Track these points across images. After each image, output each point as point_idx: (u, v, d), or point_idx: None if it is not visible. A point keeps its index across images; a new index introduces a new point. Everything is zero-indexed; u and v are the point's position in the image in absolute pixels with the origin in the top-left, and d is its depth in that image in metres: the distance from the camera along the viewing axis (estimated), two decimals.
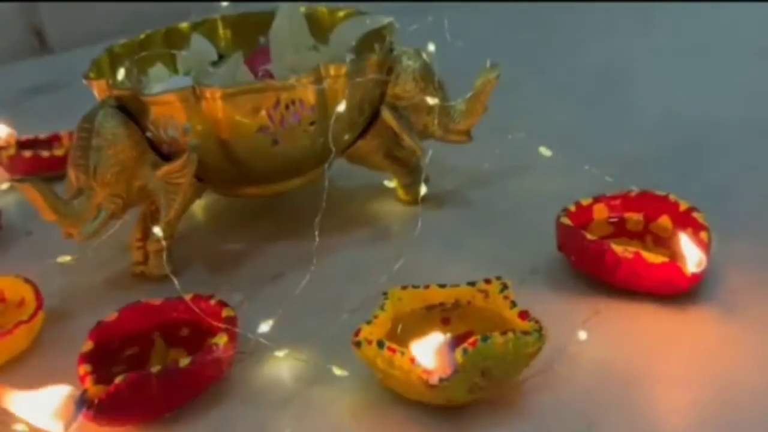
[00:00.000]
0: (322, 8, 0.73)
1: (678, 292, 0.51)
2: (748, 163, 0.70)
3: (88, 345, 0.48)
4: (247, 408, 0.47)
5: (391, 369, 0.43)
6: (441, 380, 0.40)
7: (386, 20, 0.64)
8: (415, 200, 0.69)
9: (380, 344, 0.43)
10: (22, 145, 0.86)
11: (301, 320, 0.53)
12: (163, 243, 0.56)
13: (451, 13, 0.69)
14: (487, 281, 0.49)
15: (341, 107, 0.56)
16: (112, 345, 0.50)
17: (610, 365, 0.47)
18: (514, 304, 0.46)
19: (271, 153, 0.59)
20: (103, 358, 0.48)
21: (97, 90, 0.60)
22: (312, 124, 0.58)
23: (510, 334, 0.42)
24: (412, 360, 0.42)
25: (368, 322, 0.46)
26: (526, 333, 0.43)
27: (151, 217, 0.60)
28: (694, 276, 0.50)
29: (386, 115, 0.62)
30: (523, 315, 0.45)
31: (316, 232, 0.55)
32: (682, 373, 0.45)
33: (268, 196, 0.66)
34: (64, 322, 0.57)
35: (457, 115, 0.65)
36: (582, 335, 0.48)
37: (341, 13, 0.72)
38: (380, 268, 0.59)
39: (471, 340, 0.42)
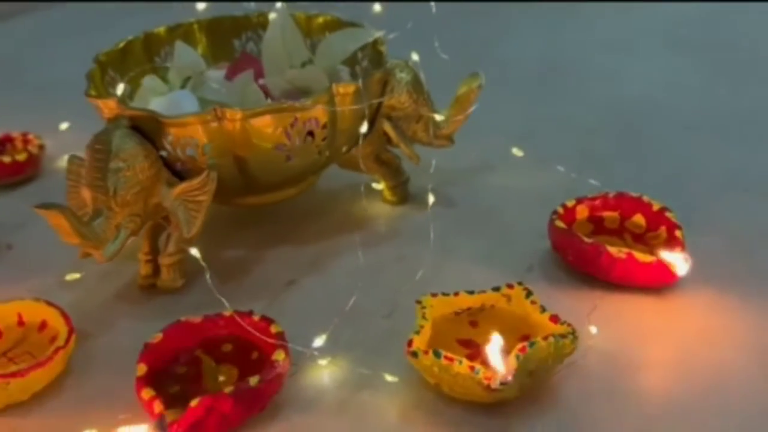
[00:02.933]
0: (299, 14, 0.75)
1: (665, 286, 0.58)
2: (690, 155, 0.79)
3: (142, 368, 0.50)
4: (305, 417, 0.50)
5: (448, 376, 0.48)
6: (502, 384, 0.46)
7: (377, 33, 0.67)
8: (400, 201, 0.74)
9: (437, 353, 0.48)
10: None
11: (326, 327, 0.56)
12: (198, 256, 0.57)
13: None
14: (510, 286, 0.55)
15: (364, 128, 0.60)
16: (161, 366, 0.52)
17: (620, 355, 0.54)
18: (543, 309, 0.52)
19: (283, 167, 0.61)
20: (156, 379, 0.50)
21: (105, 109, 0.60)
22: (324, 140, 0.61)
23: (551, 338, 0.48)
24: (471, 367, 0.47)
25: (416, 332, 0.50)
26: (563, 336, 0.49)
27: (170, 232, 0.61)
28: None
29: (387, 127, 0.66)
30: (554, 319, 0.51)
31: (358, 241, 0.59)
32: (679, 359, 0.53)
33: (264, 205, 0.68)
34: (86, 342, 0.58)
35: (441, 122, 0.69)
36: (593, 330, 0.55)
37: (320, 19, 0.75)
38: (388, 270, 0.64)
39: (520, 346, 0.47)
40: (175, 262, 0.62)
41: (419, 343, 0.50)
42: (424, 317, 0.52)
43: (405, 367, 0.53)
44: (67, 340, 0.54)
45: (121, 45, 0.70)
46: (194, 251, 0.57)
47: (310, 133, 0.60)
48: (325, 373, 0.54)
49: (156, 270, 0.63)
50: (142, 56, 0.72)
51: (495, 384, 0.46)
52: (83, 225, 0.55)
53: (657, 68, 1.01)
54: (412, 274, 0.62)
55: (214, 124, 0.57)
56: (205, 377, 0.52)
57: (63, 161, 0.86)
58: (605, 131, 0.85)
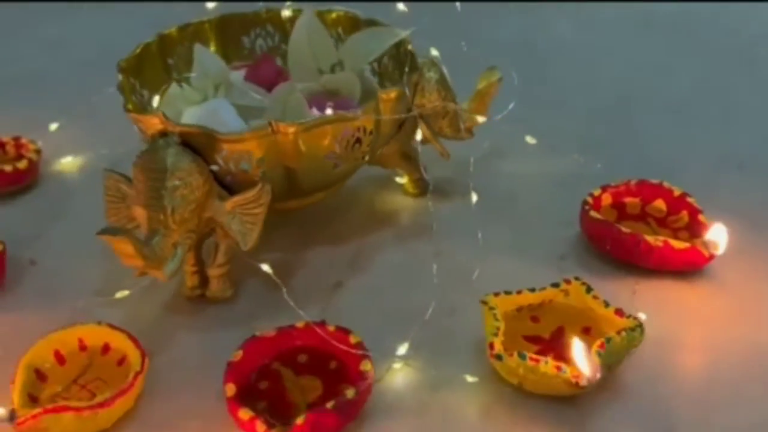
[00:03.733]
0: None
1: (695, 270, 0.63)
2: (682, 138, 0.84)
3: (231, 389, 0.51)
4: (391, 420, 0.53)
5: (534, 376, 0.51)
6: (589, 381, 0.49)
7: (404, 33, 0.68)
8: (422, 193, 0.75)
9: (522, 356, 0.51)
10: None
11: (388, 329, 0.58)
12: (270, 271, 0.58)
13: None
14: (567, 281, 0.58)
15: (419, 135, 0.61)
16: (245, 383, 0.53)
17: (669, 339, 0.58)
18: (607, 304, 0.56)
19: (329, 174, 0.62)
20: (244, 397, 0.51)
21: (146, 126, 0.59)
22: (368, 145, 0.62)
23: (623, 333, 0.52)
24: (558, 367, 0.50)
25: (494, 335, 0.53)
26: (632, 329, 0.53)
27: (217, 242, 0.61)
28: (711, 256, 0.62)
29: (422, 127, 0.67)
30: (620, 312, 0.55)
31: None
32: (725, 338, 0.58)
33: (299, 208, 0.69)
34: (150, 359, 0.58)
35: (464, 116, 0.71)
36: (642, 316, 0.59)
37: (333, 15, 0.74)
38: (430, 267, 0.65)
39: (599, 342, 0.51)
40: (224, 272, 0.62)
41: (500, 345, 0.52)
42: (496, 318, 0.55)
43: (477, 365, 0.56)
44: (143, 364, 0.54)
45: (138, 50, 0.68)
46: (266, 267, 0.57)
47: (358, 141, 0.61)
48: (400, 376, 0.56)
49: (203, 280, 0.63)
50: (157, 59, 0.70)
51: (583, 381, 0.49)
52: (144, 246, 0.55)
53: (650, 56, 1.03)
54: (454, 269, 0.64)
55: (269, 138, 0.57)
56: (289, 390, 0.53)
57: (60, 164, 0.84)
58: (601, 117, 0.88)
